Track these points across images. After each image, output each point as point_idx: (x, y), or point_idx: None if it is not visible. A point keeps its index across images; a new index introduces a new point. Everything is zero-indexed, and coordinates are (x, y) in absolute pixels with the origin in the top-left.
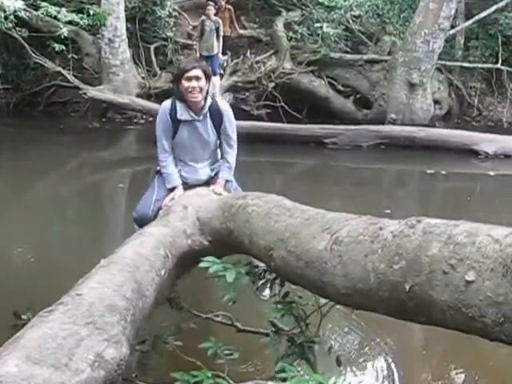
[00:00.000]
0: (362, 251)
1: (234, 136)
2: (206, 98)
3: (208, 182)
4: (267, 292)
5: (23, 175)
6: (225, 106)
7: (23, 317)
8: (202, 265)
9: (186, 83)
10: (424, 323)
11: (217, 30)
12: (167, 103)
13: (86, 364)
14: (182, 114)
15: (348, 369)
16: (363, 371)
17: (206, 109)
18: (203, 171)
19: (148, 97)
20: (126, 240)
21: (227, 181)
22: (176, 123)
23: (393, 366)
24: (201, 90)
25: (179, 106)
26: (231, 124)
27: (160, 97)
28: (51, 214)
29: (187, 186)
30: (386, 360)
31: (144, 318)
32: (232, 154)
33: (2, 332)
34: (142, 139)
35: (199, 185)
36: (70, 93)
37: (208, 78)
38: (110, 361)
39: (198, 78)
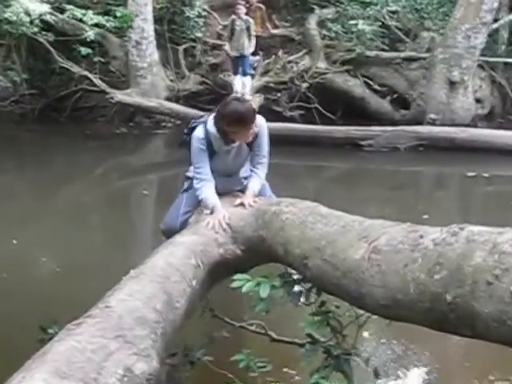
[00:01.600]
0: (401, 260)
1: (266, 152)
2: None
3: (243, 190)
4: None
5: (49, 182)
6: (259, 121)
7: (49, 331)
8: (234, 285)
9: (236, 128)
10: (466, 336)
11: (248, 29)
12: (200, 133)
13: (115, 379)
14: (218, 145)
15: (386, 382)
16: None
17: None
18: (237, 180)
19: (177, 99)
20: (156, 249)
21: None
22: (210, 151)
23: (432, 378)
24: (251, 135)
25: (213, 136)
26: (264, 140)
27: (189, 99)
28: (76, 221)
29: (219, 195)
30: (425, 372)
31: (174, 331)
32: (263, 167)
33: (28, 346)
34: (171, 143)
35: (231, 192)
36: (96, 97)
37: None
38: (140, 375)
39: (251, 133)
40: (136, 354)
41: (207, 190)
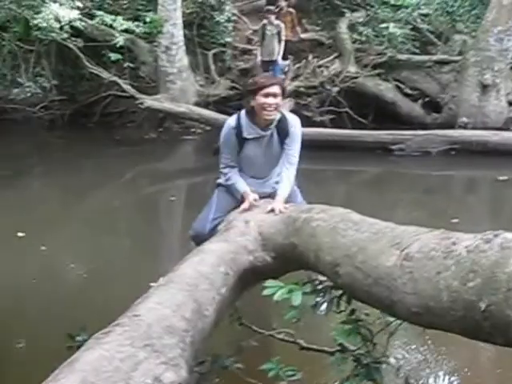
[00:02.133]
0: (433, 268)
1: (297, 153)
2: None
3: (273, 195)
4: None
5: (78, 188)
6: (294, 120)
7: (78, 338)
8: (265, 292)
9: (262, 99)
10: (501, 344)
11: (278, 34)
12: (232, 120)
13: None
14: (249, 132)
15: None
16: None
17: (274, 124)
18: (268, 183)
19: (206, 105)
20: (185, 257)
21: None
22: (242, 140)
23: None
24: (277, 106)
25: (245, 122)
26: (297, 140)
27: (219, 104)
28: (105, 227)
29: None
30: (457, 381)
31: (203, 339)
32: (292, 170)
33: (56, 353)
34: (200, 149)
35: (263, 197)
36: (125, 103)
37: (284, 94)
38: None
39: (275, 95)
40: (165, 363)
41: (235, 176)
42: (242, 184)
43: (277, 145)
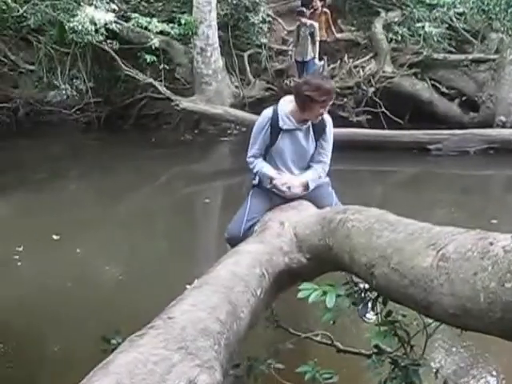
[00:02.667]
0: (470, 268)
1: (330, 152)
2: None
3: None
4: (371, 315)
5: (114, 191)
6: (328, 118)
7: (112, 341)
8: (300, 295)
9: (319, 108)
10: None
11: (311, 34)
12: (269, 111)
13: None
14: (285, 122)
15: None
16: None
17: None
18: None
19: (242, 106)
20: (220, 258)
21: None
22: (276, 132)
23: None
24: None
25: (282, 113)
26: (331, 139)
27: (254, 106)
28: (140, 230)
29: (286, 199)
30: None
31: (238, 341)
32: (322, 167)
33: (91, 355)
34: (236, 151)
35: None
36: (161, 105)
37: None
38: None
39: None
40: (199, 365)
41: (262, 162)
42: (269, 168)
43: (311, 141)
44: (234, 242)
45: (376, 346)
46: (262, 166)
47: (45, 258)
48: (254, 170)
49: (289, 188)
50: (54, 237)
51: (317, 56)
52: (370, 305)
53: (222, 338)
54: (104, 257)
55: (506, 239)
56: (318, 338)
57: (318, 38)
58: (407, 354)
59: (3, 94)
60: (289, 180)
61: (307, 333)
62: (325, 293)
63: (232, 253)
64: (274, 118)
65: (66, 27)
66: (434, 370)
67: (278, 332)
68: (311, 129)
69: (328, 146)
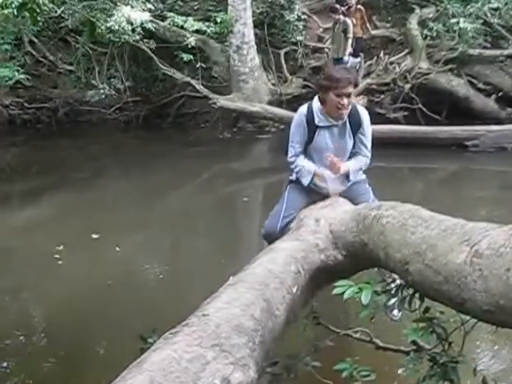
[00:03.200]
0: (503, 265)
1: (369, 144)
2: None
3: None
4: (397, 312)
5: (154, 189)
6: (364, 112)
7: (149, 340)
8: (335, 291)
9: (335, 98)
10: None
11: (344, 31)
12: (304, 108)
13: None
14: (321, 119)
15: None
16: None
17: (346, 114)
18: (340, 179)
19: (279, 104)
20: (256, 255)
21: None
22: (313, 128)
23: None
24: (349, 105)
25: (317, 110)
26: (369, 133)
27: (291, 103)
28: (180, 228)
29: (322, 196)
30: None
31: (274, 339)
32: (362, 160)
33: (130, 353)
34: (275, 148)
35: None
36: (199, 103)
37: (355, 88)
38: None
39: (349, 95)
40: (233, 363)
41: (303, 160)
42: (311, 165)
43: (348, 137)
44: (271, 238)
45: (414, 343)
46: (303, 164)
47: (84, 256)
48: (296, 169)
49: (329, 181)
50: (94, 236)
51: (347, 53)
52: (396, 302)
53: (256, 335)
54: (144, 255)
55: None
56: (357, 335)
57: (350, 35)
58: (445, 351)
59: (43, 94)
60: (332, 160)
61: (347, 330)
62: (360, 289)
63: (267, 250)
64: (310, 115)
65: (103, 27)
66: (473, 368)
67: (318, 329)
68: (348, 124)
69: (367, 140)
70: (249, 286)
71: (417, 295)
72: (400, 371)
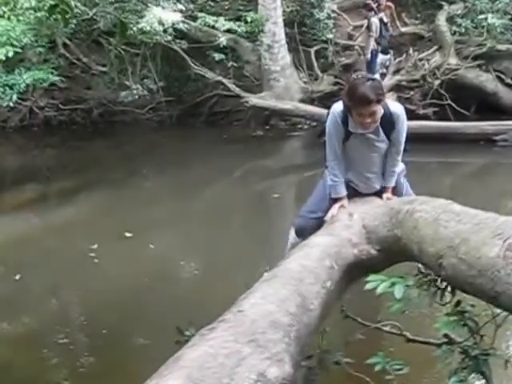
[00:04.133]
0: None
1: (403, 142)
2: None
3: (380, 192)
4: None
5: (188, 187)
6: (398, 110)
7: (186, 333)
8: (368, 286)
9: (357, 117)
10: None
11: (368, 28)
12: (338, 108)
13: None
14: (353, 126)
15: None
16: None
17: (378, 121)
18: (376, 179)
19: (311, 101)
20: (291, 251)
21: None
22: (347, 131)
23: None
24: (375, 121)
25: (350, 117)
26: (403, 130)
27: (323, 100)
28: (214, 225)
29: (357, 193)
30: None
31: (309, 333)
32: (398, 160)
33: (166, 347)
34: (307, 145)
35: (370, 194)
36: (231, 102)
37: (382, 101)
38: (273, 380)
39: (372, 114)
40: (269, 358)
41: (339, 176)
42: (341, 187)
43: (382, 139)
44: (302, 234)
45: (446, 336)
46: (337, 183)
47: (119, 255)
48: (331, 177)
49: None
50: (127, 234)
51: (368, 52)
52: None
53: (291, 330)
54: (178, 252)
55: None
56: (387, 329)
57: (373, 34)
58: (477, 344)
59: (77, 95)
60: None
61: (376, 323)
62: (393, 284)
63: (302, 246)
64: (344, 116)
65: (135, 28)
66: (505, 360)
67: (348, 323)
68: (380, 129)
69: (402, 137)
70: (284, 281)
71: (448, 289)
72: (431, 364)
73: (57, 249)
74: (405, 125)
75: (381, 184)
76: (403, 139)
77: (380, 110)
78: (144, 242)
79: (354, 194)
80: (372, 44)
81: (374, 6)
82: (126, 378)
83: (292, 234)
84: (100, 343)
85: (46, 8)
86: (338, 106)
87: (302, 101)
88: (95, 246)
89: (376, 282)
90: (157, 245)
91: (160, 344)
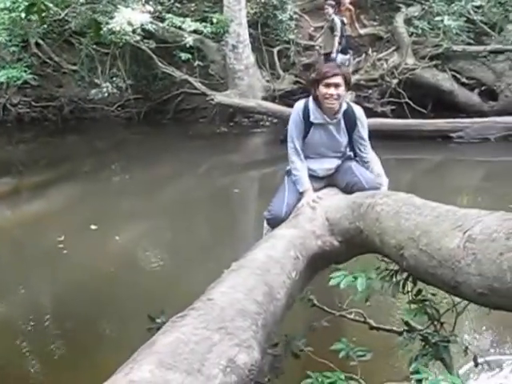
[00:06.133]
0: (496, 249)
1: (367, 139)
2: (341, 103)
3: (336, 171)
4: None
5: (154, 181)
6: (359, 110)
7: (157, 320)
8: (332, 282)
9: (323, 89)
10: None
11: (330, 28)
12: (300, 104)
13: (218, 369)
14: (316, 116)
15: (485, 369)
16: (502, 372)
17: (341, 113)
18: (332, 161)
19: (273, 99)
20: (256, 242)
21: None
22: (308, 124)
23: None
24: (338, 97)
25: (313, 108)
26: (365, 129)
27: (284, 98)
28: (178, 218)
29: (317, 178)
30: None
31: (275, 322)
32: (374, 161)
33: (138, 336)
34: (269, 142)
35: (328, 175)
36: (197, 99)
37: (348, 84)
38: (242, 366)
39: (337, 86)
40: (238, 345)
41: (302, 169)
42: (305, 180)
43: (343, 134)
44: (276, 223)
45: (407, 324)
46: (300, 175)
47: (87, 246)
48: (294, 172)
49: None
50: (92, 227)
51: (334, 50)
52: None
53: (259, 318)
54: (144, 244)
55: None
56: (352, 316)
57: (337, 33)
58: (437, 332)
59: (49, 93)
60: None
61: (339, 311)
62: (355, 278)
63: (267, 237)
64: (306, 112)
65: (105, 29)
66: (464, 347)
67: (313, 311)
68: (342, 123)
69: (366, 135)
70: (251, 271)
71: (410, 279)
72: (393, 351)
73: (27, 239)
74: (366, 124)
75: (337, 164)
76: (367, 136)
77: (344, 92)
78: (110, 233)
79: (314, 180)
80: (337, 43)
81: (335, 8)
82: (97, 365)
83: (265, 226)
84: (69, 330)
85: (20, 9)
86: (299, 103)
87: (265, 99)
88: (62, 238)
89: (339, 278)
90: (122, 237)
91: (129, 332)
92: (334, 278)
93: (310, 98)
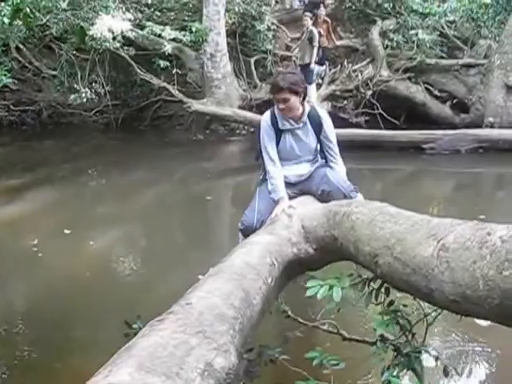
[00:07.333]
0: (469, 257)
1: (335, 142)
2: (303, 106)
3: (310, 178)
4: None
5: (130, 186)
6: (323, 113)
7: (134, 326)
8: (309, 293)
9: (275, 102)
10: None
11: (309, 40)
12: (267, 114)
13: (196, 373)
14: (283, 123)
15: (456, 379)
16: (471, 382)
17: (305, 116)
18: (304, 166)
19: (249, 108)
20: (233, 248)
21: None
22: (278, 131)
23: (503, 376)
24: (290, 109)
25: (279, 115)
26: (331, 132)
27: (261, 107)
28: (152, 224)
29: (289, 184)
30: (495, 370)
31: (252, 327)
32: (339, 163)
33: (114, 341)
34: (245, 150)
35: (301, 182)
36: (174, 107)
37: (297, 92)
38: (219, 370)
39: (284, 100)
40: (216, 349)
41: (278, 179)
42: (281, 188)
43: (311, 135)
44: (248, 232)
45: (379, 335)
46: (277, 184)
47: (61, 250)
48: (271, 181)
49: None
50: (66, 231)
51: (313, 60)
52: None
53: (236, 322)
54: (117, 249)
55: (502, 229)
56: (325, 327)
57: (316, 44)
58: (409, 342)
59: (28, 97)
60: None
61: (312, 322)
62: (331, 287)
63: (244, 243)
64: (273, 120)
65: (86, 35)
66: (435, 357)
67: (288, 321)
68: (309, 125)
69: (333, 137)
70: (228, 276)
71: (382, 290)
72: (366, 361)
73: (1, 243)
74: (332, 126)
75: (309, 170)
76: (334, 139)
77: (295, 101)
78: (84, 238)
79: (288, 186)
80: (315, 54)
81: (312, 20)
82: (73, 371)
83: (240, 236)
84: (43, 335)
85: (3, 14)
86: (266, 113)
87: (241, 107)
88: (36, 242)
89: (315, 288)
90: (96, 241)
91: (104, 337)
92: (310, 288)
93: (275, 107)
